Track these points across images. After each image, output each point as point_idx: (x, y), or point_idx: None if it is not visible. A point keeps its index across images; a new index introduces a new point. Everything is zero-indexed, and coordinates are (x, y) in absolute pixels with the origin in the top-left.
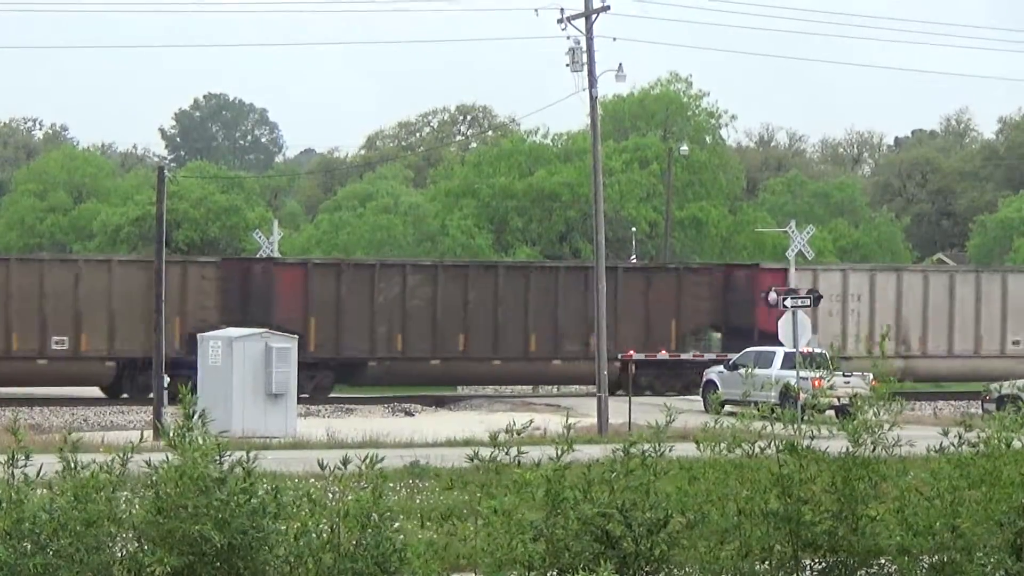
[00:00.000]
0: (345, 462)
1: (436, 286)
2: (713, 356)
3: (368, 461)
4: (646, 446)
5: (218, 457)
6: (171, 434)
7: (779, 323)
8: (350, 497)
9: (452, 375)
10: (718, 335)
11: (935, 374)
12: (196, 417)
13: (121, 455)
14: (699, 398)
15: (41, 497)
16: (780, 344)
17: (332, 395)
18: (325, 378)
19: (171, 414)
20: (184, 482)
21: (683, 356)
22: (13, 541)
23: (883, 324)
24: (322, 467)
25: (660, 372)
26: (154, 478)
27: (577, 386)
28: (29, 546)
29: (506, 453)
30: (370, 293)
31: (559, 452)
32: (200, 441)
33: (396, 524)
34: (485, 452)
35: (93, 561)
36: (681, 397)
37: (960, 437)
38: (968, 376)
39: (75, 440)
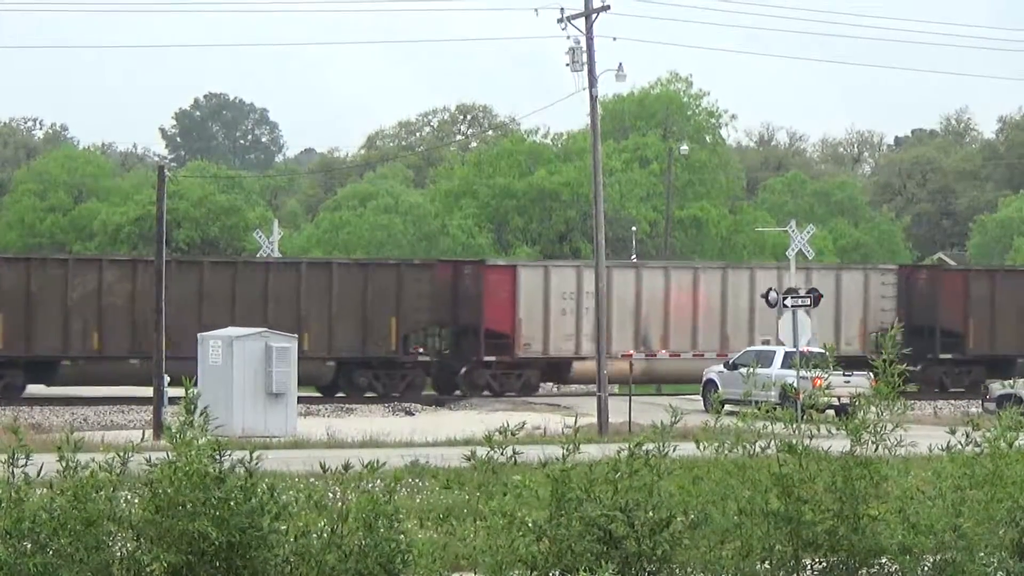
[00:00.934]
0: (347, 467)
1: (135, 282)
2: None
3: (370, 466)
4: (650, 446)
5: (218, 456)
6: (173, 431)
7: (779, 323)
8: (352, 498)
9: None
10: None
11: (678, 375)
12: (199, 415)
13: (121, 454)
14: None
15: (41, 496)
16: (507, 342)
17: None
18: (15, 377)
19: (172, 413)
20: (180, 479)
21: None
22: (13, 540)
23: (621, 323)
24: (324, 469)
25: (379, 372)
26: (152, 476)
27: None
28: (29, 545)
29: (502, 453)
30: (63, 289)
31: (565, 453)
32: (198, 439)
33: (402, 526)
34: (482, 452)
35: (93, 560)
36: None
37: (967, 436)
38: None
39: (77, 440)
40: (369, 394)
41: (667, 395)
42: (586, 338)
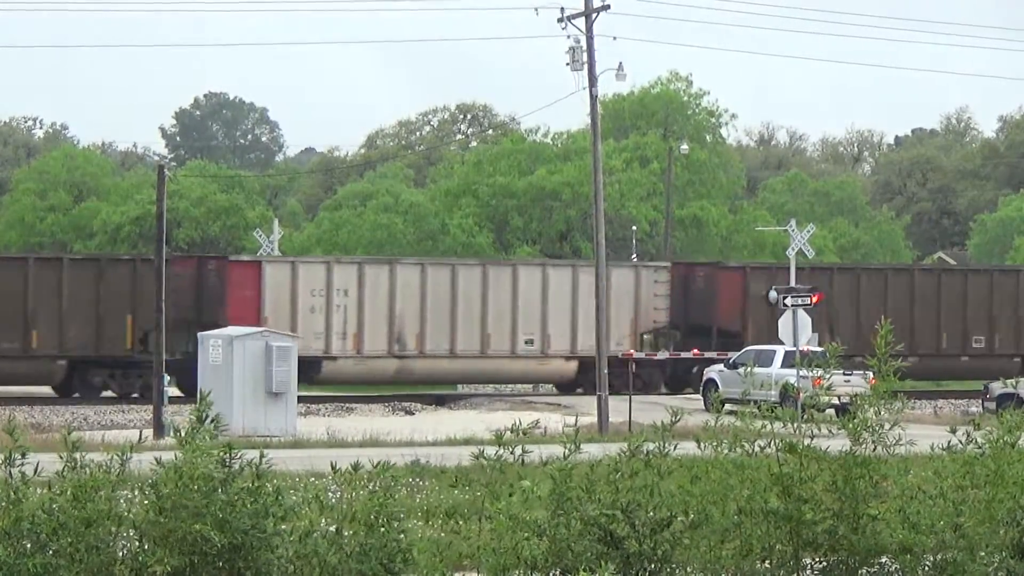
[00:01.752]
0: (356, 467)
1: None
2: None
3: (381, 466)
4: (651, 446)
5: (228, 457)
6: (182, 435)
7: (779, 322)
8: (354, 497)
9: None
10: None
11: (434, 376)
12: (209, 422)
13: (120, 455)
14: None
15: (40, 496)
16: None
17: (332, 393)
18: None
19: (171, 413)
20: (185, 482)
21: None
22: (12, 541)
23: (375, 320)
24: (334, 469)
25: (115, 372)
26: (155, 478)
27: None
28: (29, 545)
29: (510, 452)
30: None
31: (565, 452)
32: (206, 441)
33: (404, 526)
34: (489, 451)
35: (93, 561)
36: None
37: (968, 435)
38: (472, 378)
39: (75, 440)
40: (107, 393)
41: (666, 395)
42: (337, 336)
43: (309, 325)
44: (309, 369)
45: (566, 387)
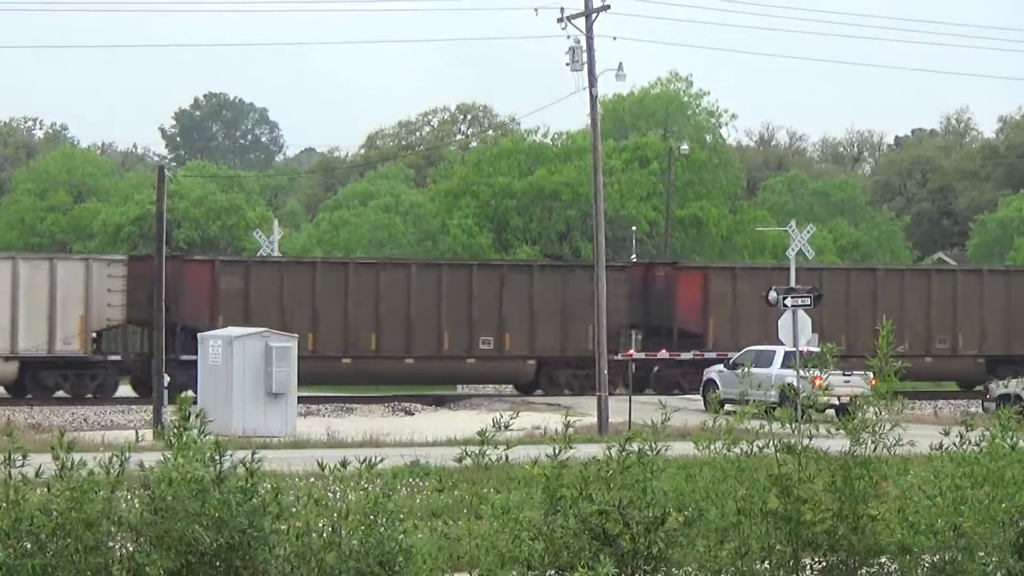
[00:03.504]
0: (344, 464)
1: None
2: None
3: (367, 462)
4: (643, 444)
5: (217, 457)
6: (168, 435)
7: (779, 322)
8: (351, 497)
9: None
10: None
11: None
12: (194, 417)
13: (119, 455)
14: None
15: (39, 496)
16: None
17: (332, 394)
18: None
19: (171, 413)
20: (179, 485)
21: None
22: (12, 541)
23: None
24: (321, 467)
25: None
26: (149, 478)
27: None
28: (29, 545)
29: (495, 448)
30: None
31: (556, 450)
32: (196, 442)
33: (403, 526)
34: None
35: (91, 562)
36: None
37: (961, 436)
38: None
39: (69, 442)
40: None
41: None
42: None
43: None
44: None
45: (16, 390)
